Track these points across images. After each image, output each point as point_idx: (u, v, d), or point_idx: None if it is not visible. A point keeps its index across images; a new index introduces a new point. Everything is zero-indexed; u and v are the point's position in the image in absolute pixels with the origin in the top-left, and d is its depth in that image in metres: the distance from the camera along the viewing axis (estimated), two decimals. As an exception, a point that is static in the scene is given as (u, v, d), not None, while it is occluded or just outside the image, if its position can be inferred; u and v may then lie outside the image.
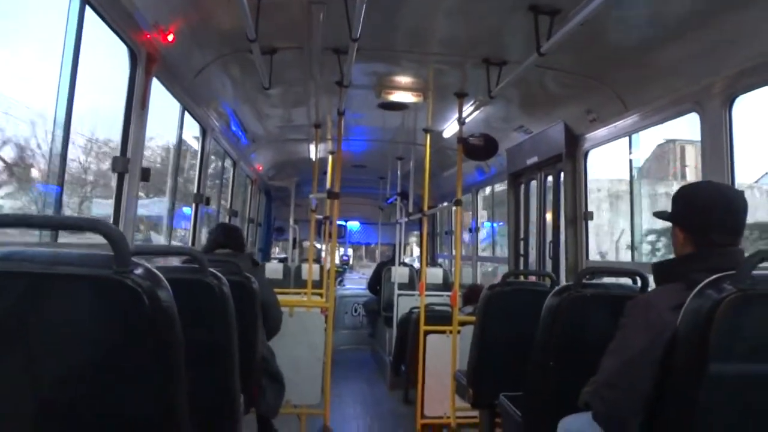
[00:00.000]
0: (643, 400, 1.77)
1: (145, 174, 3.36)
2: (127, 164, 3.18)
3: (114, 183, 3.21)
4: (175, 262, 3.39)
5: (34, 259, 1.30)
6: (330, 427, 4.63)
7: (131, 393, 1.29)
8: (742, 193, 2.04)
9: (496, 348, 3.66)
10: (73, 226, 1.82)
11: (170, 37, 3.26)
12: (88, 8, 2.61)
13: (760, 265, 1.60)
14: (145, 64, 3.21)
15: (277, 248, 13.56)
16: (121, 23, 2.92)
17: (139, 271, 1.29)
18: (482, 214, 8.39)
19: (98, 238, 1.34)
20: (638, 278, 2.76)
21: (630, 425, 1.81)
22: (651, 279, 2.25)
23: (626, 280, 2.93)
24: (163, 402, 1.30)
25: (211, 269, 2.41)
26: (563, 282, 4.13)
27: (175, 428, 1.32)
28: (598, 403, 1.95)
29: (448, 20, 3.53)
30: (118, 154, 3.21)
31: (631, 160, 4.50)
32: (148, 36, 3.14)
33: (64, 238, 2.72)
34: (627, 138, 4.33)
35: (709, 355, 1.57)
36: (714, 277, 1.63)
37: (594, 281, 3.22)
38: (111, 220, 3.18)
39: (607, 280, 3.68)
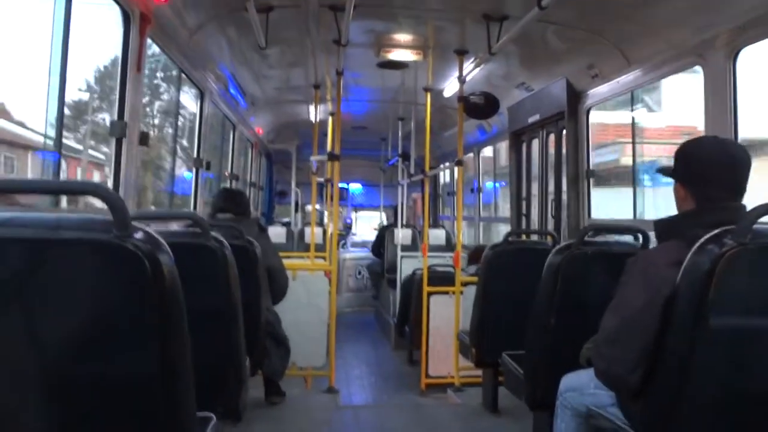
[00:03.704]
0: (642, 356, 1.79)
1: (144, 138, 3.33)
2: (124, 128, 3.14)
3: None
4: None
5: (36, 224, 1.30)
6: (336, 387, 4.70)
7: (134, 356, 1.30)
8: (744, 148, 2.01)
9: (499, 307, 3.69)
10: (72, 190, 1.83)
11: None
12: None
13: (761, 219, 1.60)
14: (139, 25, 3.14)
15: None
16: None
17: (139, 235, 1.28)
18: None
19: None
20: (640, 235, 2.76)
21: (630, 381, 1.83)
22: (652, 236, 2.24)
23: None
24: (165, 364, 1.31)
25: (214, 233, 2.41)
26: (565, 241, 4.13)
27: (178, 388, 1.34)
28: (599, 360, 1.96)
29: (447, -25, 3.46)
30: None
31: (633, 117, 4.45)
32: None
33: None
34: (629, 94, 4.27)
35: (709, 309, 1.57)
36: (715, 231, 1.63)
37: (597, 239, 3.22)
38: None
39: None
